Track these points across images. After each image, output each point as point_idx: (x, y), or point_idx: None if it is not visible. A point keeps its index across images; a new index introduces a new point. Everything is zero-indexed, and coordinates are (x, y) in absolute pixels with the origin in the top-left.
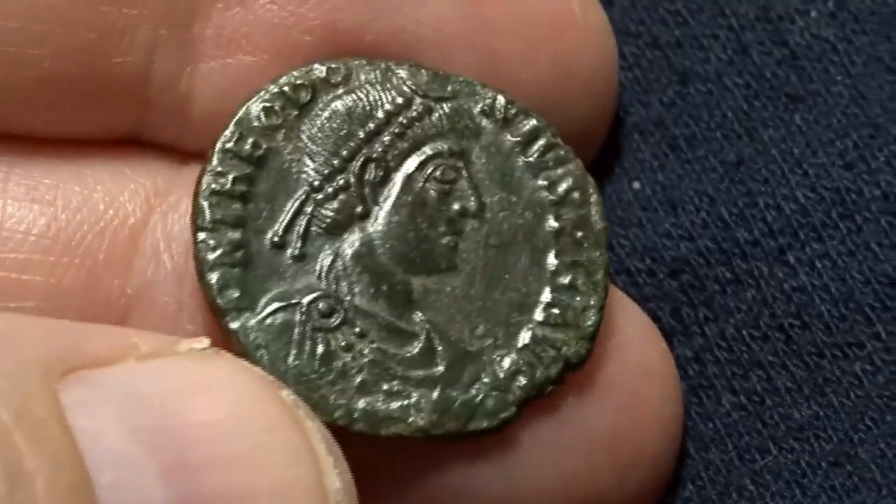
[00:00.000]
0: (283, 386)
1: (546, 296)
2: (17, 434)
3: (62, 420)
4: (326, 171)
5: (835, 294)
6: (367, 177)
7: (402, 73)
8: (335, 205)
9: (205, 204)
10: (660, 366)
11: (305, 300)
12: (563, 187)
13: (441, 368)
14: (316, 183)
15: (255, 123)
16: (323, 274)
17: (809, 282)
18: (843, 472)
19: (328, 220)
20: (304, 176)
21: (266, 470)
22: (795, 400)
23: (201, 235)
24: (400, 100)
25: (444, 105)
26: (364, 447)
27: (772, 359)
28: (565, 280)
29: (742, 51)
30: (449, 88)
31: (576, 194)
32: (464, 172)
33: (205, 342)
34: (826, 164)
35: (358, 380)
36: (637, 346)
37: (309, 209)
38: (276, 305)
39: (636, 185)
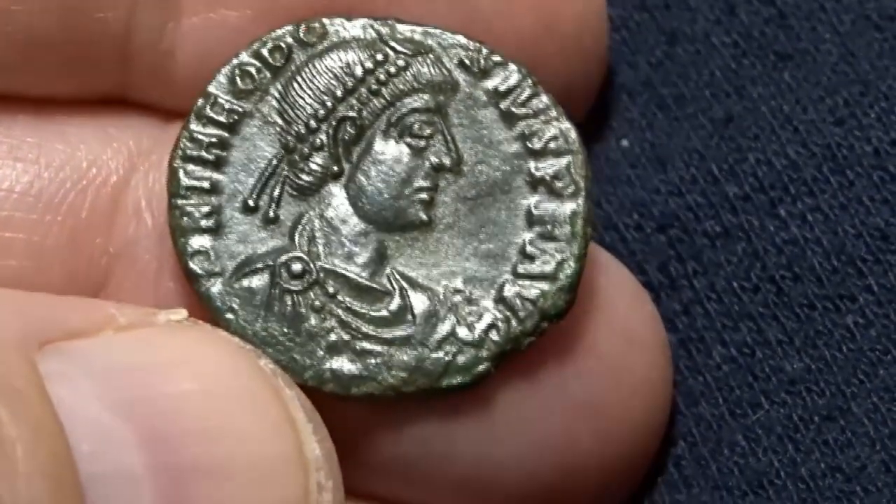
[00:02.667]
0: (261, 355)
1: (523, 247)
2: None
3: (41, 390)
4: (301, 132)
5: (826, 247)
6: (341, 135)
7: (380, 28)
8: (310, 165)
9: (179, 170)
10: (646, 330)
11: (277, 262)
12: (543, 136)
13: (414, 326)
14: (290, 144)
15: (230, 87)
16: (295, 235)
17: (801, 234)
18: (835, 427)
19: (302, 181)
20: (278, 138)
21: (245, 439)
22: (787, 352)
23: (175, 201)
24: (377, 56)
25: (422, 59)
26: (338, 410)
27: (762, 310)
28: (543, 231)
29: (730, 10)
30: (428, 42)
31: (556, 143)
32: (440, 127)
33: (182, 313)
34: (816, 121)
35: (328, 340)
36: (622, 308)
37: (283, 171)
38: (247, 269)
39: (625, 142)
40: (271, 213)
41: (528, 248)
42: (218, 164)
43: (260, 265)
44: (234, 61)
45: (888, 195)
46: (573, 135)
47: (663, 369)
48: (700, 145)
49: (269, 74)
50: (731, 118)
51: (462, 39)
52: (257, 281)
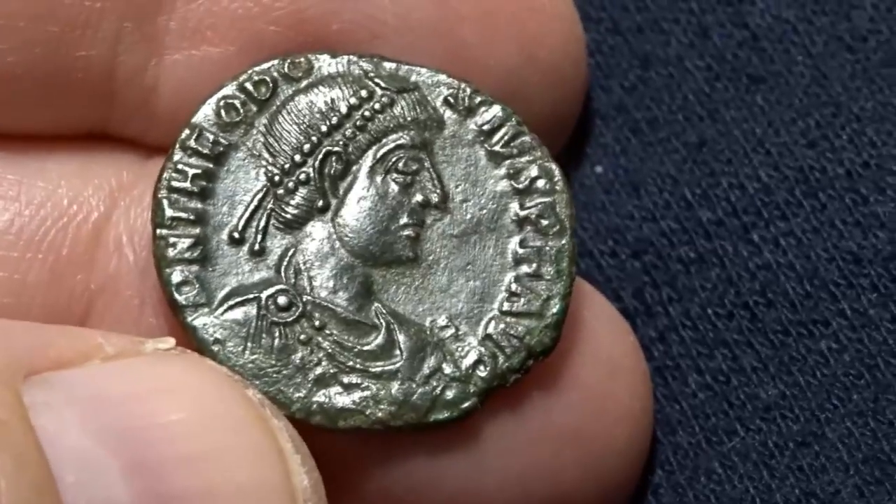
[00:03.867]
0: (249, 385)
1: (509, 285)
2: None
3: (25, 421)
4: (287, 166)
5: (799, 271)
6: (327, 170)
7: (365, 65)
8: (295, 199)
9: (164, 201)
10: (628, 360)
11: (263, 294)
12: (528, 175)
13: (401, 360)
14: (276, 178)
15: (216, 120)
16: (282, 268)
17: (774, 259)
18: (810, 452)
19: (288, 215)
20: (263, 171)
21: (232, 469)
22: (761, 379)
23: (160, 232)
24: (363, 92)
25: (407, 96)
26: (326, 442)
27: (737, 337)
28: (529, 269)
29: (703, 33)
30: (412, 79)
31: (541, 182)
32: (426, 163)
33: (170, 342)
34: (789, 143)
35: (316, 373)
36: (605, 339)
37: (269, 204)
38: (234, 301)
39: (598, 168)
40: (257, 246)
41: (514, 286)
42: (203, 196)
43: (246, 297)
44: (219, 94)
45: (860, 218)
46: (557, 174)
47: (645, 398)
48: (674, 170)
49: (254, 108)
50: (705, 142)
51: (446, 78)
52: (244, 313)
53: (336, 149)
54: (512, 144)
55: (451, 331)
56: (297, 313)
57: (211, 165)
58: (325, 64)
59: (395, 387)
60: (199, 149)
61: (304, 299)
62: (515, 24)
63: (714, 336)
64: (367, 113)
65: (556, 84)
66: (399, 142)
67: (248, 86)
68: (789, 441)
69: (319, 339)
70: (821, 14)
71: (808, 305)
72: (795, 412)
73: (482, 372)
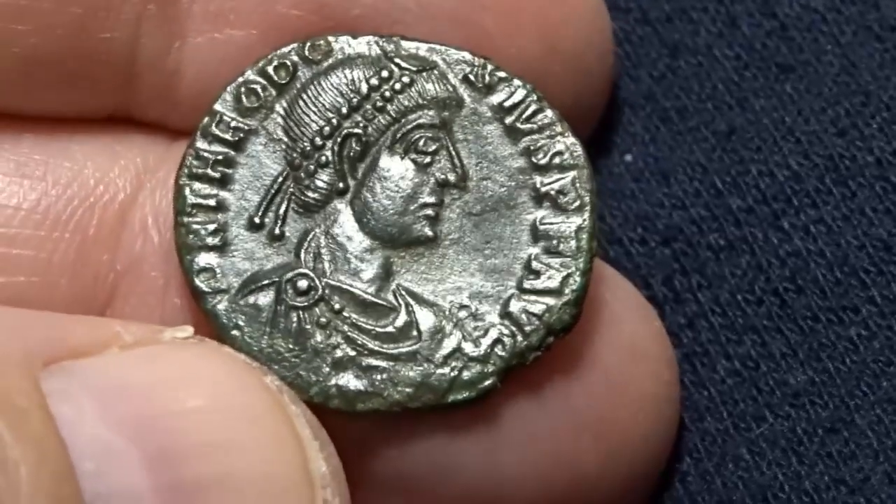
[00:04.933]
0: (267, 371)
1: (529, 262)
2: (0, 423)
3: (45, 409)
4: (306, 149)
5: (829, 258)
6: (346, 152)
7: (385, 45)
8: (315, 182)
9: (185, 188)
10: (653, 346)
11: (283, 279)
12: (548, 151)
13: (420, 341)
14: (296, 161)
15: (235, 105)
16: (301, 252)
17: (804, 246)
18: (839, 439)
19: (308, 198)
20: (283, 155)
21: (250, 457)
22: (791, 365)
23: (181, 219)
24: (382, 73)
25: (426, 76)
26: (343, 426)
27: (766, 323)
28: (549, 245)
29: (731, 23)
30: (432, 58)
31: (561, 158)
32: (445, 142)
33: (188, 330)
34: (819, 132)
35: (334, 356)
36: (628, 324)
37: (288, 188)
38: (253, 286)
39: (628, 157)
40: (277, 231)
41: (534, 263)
42: (224, 182)
43: (266, 282)
44: (240, 79)
45: (890, 205)
46: (578, 150)
47: (669, 384)
48: (703, 158)
49: (274, 92)
50: (734, 130)
51: (467, 55)
52: (263, 298)
53: (356, 130)
54: (532, 120)
55: (470, 310)
56: (315, 297)
57: (231, 152)
58: (345, 45)
59: (413, 368)
60: (220, 135)
61: (323, 282)
62: (538, 14)
63: (743, 322)
64: (386, 93)
65: (579, 74)
66: (418, 121)
67: (269, 70)
68: (818, 428)
69: (338, 322)
70: (849, 3)
71: (838, 292)
72: (824, 398)
73: (501, 351)
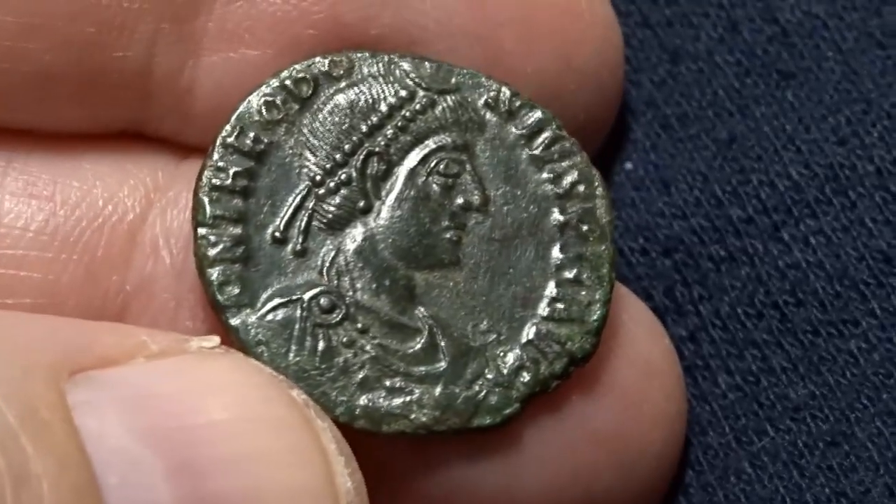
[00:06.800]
0: (293, 385)
1: (551, 290)
2: (23, 436)
3: (69, 421)
4: (328, 166)
5: (829, 270)
6: (369, 171)
7: (406, 65)
8: (337, 199)
9: (205, 199)
10: (664, 364)
11: (306, 296)
12: (568, 180)
13: (444, 364)
14: (318, 178)
15: (257, 118)
16: (324, 269)
17: (804, 258)
18: (840, 452)
19: (330, 215)
20: (305, 170)
21: (275, 471)
22: (791, 379)
23: (201, 231)
24: (403, 93)
25: (448, 98)
26: (366, 445)
27: (767, 337)
28: (570, 274)
29: (733, 28)
30: (453, 81)
31: (581, 187)
32: (467, 166)
33: (215, 340)
34: (819, 141)
35: (359, 376)
36: (642, 343)
37: (310, 204)
38: (276, 301)
39: (628, 165)
40: (299, 246)
41: (556, 292)
42: (245, 194)
43: (290, 298)
44: (260, 91)
45: (890, 216)
46: (597, 179)
47: (679, 401)
48: (704, 167)
49: (296, 106)
50: (735, 138)
51: (486, 80)
52: (287, 314)
53: (377, 149)
54: (552, 149)
55: (493, 336)
56: (340, 315)
57: (252, 164)
58: (366, 63)
59: (438, 391)
60: (240, 147)
61: (348, 301)
62: (554, 30)
63: (744, 336)
64: (408, 114)
65: (592, 90)
66: (440, 143)
67: (289, 84)
68: (819, 441)
69: (363, 341)
70: (851, 10)
71: (838, 305)
72: (825, 412)
73: (524, 377)
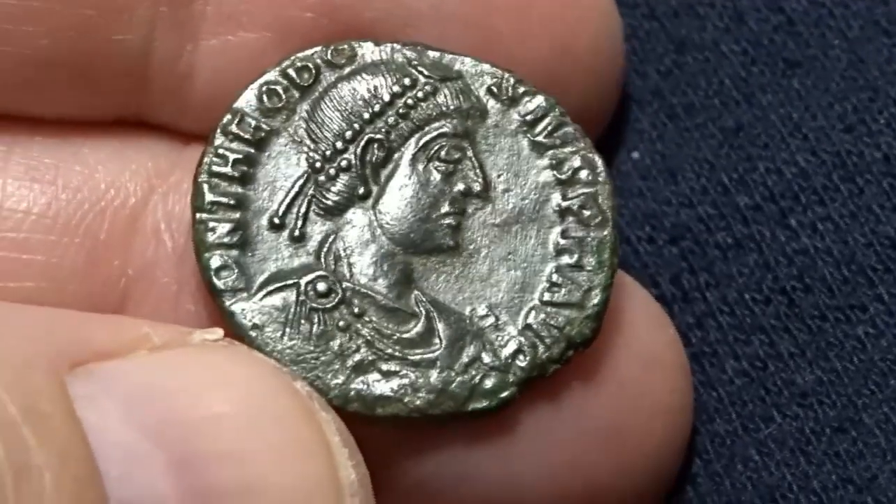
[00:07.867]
0: (297, 377)
1: (551, 275)
2: (25, 428)
3: (70, 413)
4: (328, 153)
5: (837, 257)
6: (369, 157)
7: (408, 53)
8: (336, 186)
9: (204, 185)
10: (667, 354)
11: (303, 280)
12: (570, 166)
13: (440, 349)
14: (317, 164)
15: (257, 105)
16: (322, 254)
17: (811, 245)
18: (847, 438)
19: (329, 201)
20: (305, 157)
21: (279, 464)
22: (798, 365)
23: (200, 216)
24: (406, 80)
25: (450, 85)
26: (360, 432)
27: (774, 323)
28: (571, 259)
29: (738, 18)
30: (455, 68)
31: (584, 173)
32: (468, 152)
33: (218, 333)
34: (826, 128)
35: (354, 360)
36: (645, 333)
37: (310, 190)
38: (273, 286)
39: (635, 154)
40: (297, 232)
41: (556, 276)
42: (244, 181)
43: (285, 282)
44: (262, 79)
45: None
46: (600, 165)
47: (683, 393)
48: (710, 155)
49: (296, 94)
50: (741, 127)
51: (489, 67)
52: (283, 298)
53: (378, 136)
54: (555, 135)
55: (491, 320)
56: (336, 300)
57: (252, 150)
58: (369, 51)
59: (433, 375)
60: (241, 134)
61: (344, 286)
62: (550, 16)
63: (751, 322)
64: (409, 101)
65: (591, 76)
66: (441, 130)
67: (291, 72)
68: (826, 427)
69: (358, 325)
70: None
71: (846, 291)
72: (832, 398)
73: (521, 362)
